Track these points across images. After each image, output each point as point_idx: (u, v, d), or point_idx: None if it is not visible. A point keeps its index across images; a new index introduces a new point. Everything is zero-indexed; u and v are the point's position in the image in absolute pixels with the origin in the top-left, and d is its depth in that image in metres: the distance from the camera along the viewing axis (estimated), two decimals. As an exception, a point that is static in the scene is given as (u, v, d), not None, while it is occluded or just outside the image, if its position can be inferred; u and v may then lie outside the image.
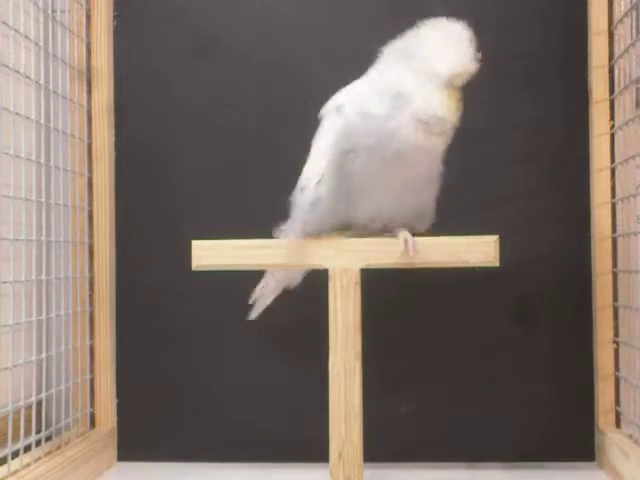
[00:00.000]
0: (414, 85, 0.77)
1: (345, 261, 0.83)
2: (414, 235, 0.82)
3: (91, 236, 1.03)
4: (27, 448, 0.87)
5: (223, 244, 0.85)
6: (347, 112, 0.80)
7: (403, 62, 0.78)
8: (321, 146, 0.83)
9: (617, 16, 0.97)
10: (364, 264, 0.83)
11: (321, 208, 0.81)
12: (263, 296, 0.94)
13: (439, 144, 0.79)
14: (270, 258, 0.84)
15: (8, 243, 0.84)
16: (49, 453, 0.90)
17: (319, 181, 0.82)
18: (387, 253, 0.83)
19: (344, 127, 0.80)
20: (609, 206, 0.98)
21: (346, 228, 0.83)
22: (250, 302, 0.94)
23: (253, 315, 0.95)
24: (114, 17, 1.05)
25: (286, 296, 0.97)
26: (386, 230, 0.83)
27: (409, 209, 0.82)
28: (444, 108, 0.76)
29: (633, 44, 0.92)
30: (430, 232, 0.84)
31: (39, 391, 0.91)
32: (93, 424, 1.02)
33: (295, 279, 0.92)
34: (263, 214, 1.00)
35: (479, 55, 0.78)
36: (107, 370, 1.02)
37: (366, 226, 0.83)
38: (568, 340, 1.00)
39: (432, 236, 0.83)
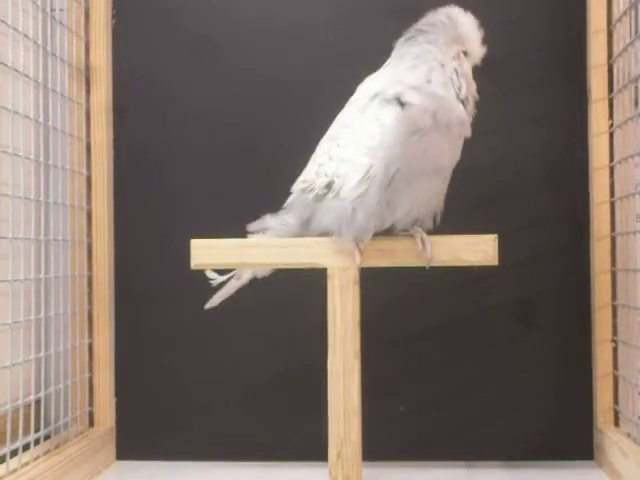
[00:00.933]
0: (456, 63, 0.80)
1: (344, 260, 0.83)
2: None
3: (90, 235, 1.02)
4: (26, 447, 0.87)
5: (222, 243, 0.85)
6: (406, 98, 0.77)
7: (441, 39, 0.81)
8: (366, 141, 0.79)
9: (616, 15, 0.97)
10: (363, 263, 0.83)
11: (365, 210, 0.78)
12: (223, 291, 0.91)
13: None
14: (269, 257, 0.84)
15: (7, 242, 0.84)
16: (48, 452, 0.90)
17: (364, 179, 0.77)
18: (387, 252, 0.83)
19: (408, 111, 0.77)
20: (608, 205, 0.98)
21: (379, 229, 0.80)
22: (214, 286, 0.91)
23: (212, 304, 0.91)
24: (113, 16, 1.05)
25: (286, 296, 0.97)
26: (403, 229, 0.82)
27: (432, 206, 0.82)
28: (473, 85, 0.82)
29: (632, 43, 0.92)
30: (429, 231, 0.84)
31: (38, 390, 0.91)
32: (92, 423, 1.02)
33: (247, 279, 0.91)
34: (263, 213, 1.00)
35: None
36: (106, 369, 1.02)
37: (394, 225, 0.81)
38: (567, 339, 1.00)
39: (431, 235, 0.83)
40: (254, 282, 0.93)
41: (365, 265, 0.82)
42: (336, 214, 0.79)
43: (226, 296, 0.91)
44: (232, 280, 0.91)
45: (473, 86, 0.82)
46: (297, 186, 0.86)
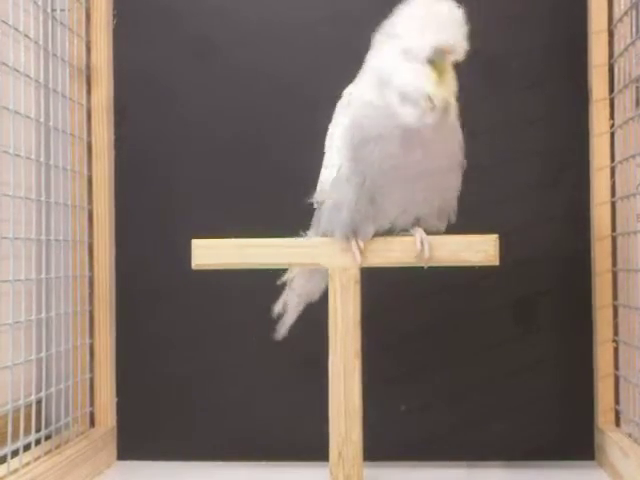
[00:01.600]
0: (399, 63, 0.75)
1: (345, 260, 0.83)
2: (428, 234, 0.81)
3: (91, 235, 1.02)
4: (27, 447, 0.87)
5: (223, 243, 0.85)
6: (353, 104, 0.79)
7: (390, 41, 0.76)
8: (335, 143, 0.81)
9: (617, 15, 0.97)
10: (364, 263, 0.83)
11: (344, 209, 0.79)
12: (286, 313, 0.93)
13: (444, 126, 0.76)
14: (270, 257, 0.84)
15: (8, 242, 0.84)
16: (49, 452, 0.90)
17: (337, 178, 0.79)
18: (387, 252, 0.83)
19: (352, 120, 0.78)
20: (609, 205, 0.98)
21: (376, 228, 0.81)
22: (275, 320, 0.93)
23: (280, 334, 0.93)
24: (114, 16, 1.05)
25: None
26: (403, 229, 0.82)
27: (434, 207, 0.80)
28: (430, 84, 0.74)
29: (633, 43, 0.92)
30: (430, 231, 0.84)
31: (39, 390, 0.91)
32: (93, 423, 1.02)
33: (314, 293, 0.91)
34: (263, 213, 1.00)
35: (468, 33, 0.76)
36: (107, 369, 1.02)
37: (392, 225, 0.81)
38: (568, 339, 1.00)
39: (431, 235, 0.83)
40: (254, 281, 0.93)
41: (365, 265, 0.82)
42: (327, 216, 0.81)
43: (290, 322, 0.93)
44: (287, 306, 0.92)
45: (430, 84, 0.74)
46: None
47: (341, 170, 0.79)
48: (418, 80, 0.74)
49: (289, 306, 0.92)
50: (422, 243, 0.80)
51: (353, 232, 0.79)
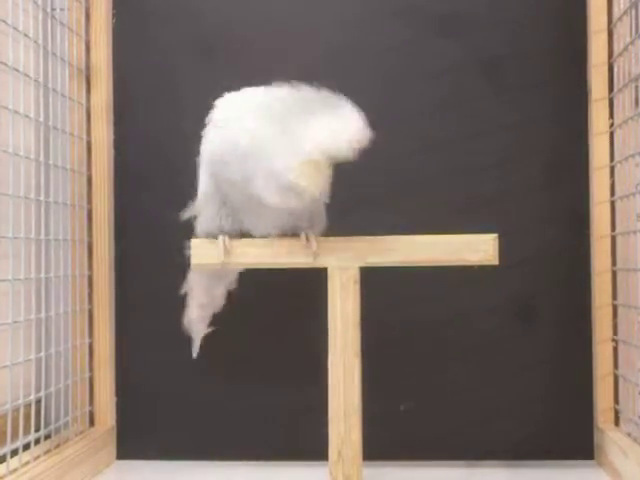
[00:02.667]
0: (280, 147, 0.74)
1: (344, 260, 0.83)
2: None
3: (90, 234, 1.02)
4: (26, 446, 0.87)
5: (222, 243, 0.85)
6: (219, 134, 0.81)
7: (279, 118, 0.76)
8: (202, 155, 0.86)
9: (616, 14, 0.97)
10: (363, 263, 0.83)
11: (205, 214, 0.86)
12: (195, 330, 0.96)
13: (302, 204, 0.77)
14: (270, 257, 0.84)
15: (7, 241, 0.84)
16: (48, 451, 0.90)
17: (202, 194, 0.86)
18: (387, 252, 0.83)
19: (212, 150, 0.83)
20: (608, 204, 0.98)
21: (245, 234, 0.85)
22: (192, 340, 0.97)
23: (195, 353, 0.98)
24: (113, 15, 1.05)
25: (286, 295, 0.97)
26: (293, 232, 0.85)
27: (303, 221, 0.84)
28: (303, 179, 0.73)
29: (632, 42, 0.92)
30: (430, 231, 0.84)
31: (38, 389, 0.91)
32: (92, 422, 1.02)
33: (219, 301, 0.95)
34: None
35: (362, 137, 0.74)
36: (106, 368, 1.02)
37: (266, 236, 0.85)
38: (567, 338, 1.00)
39: (432, 235, 0.83)
40: (253, 281, 0.93)
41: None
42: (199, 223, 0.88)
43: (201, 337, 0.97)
44: (193, 322, 0.96)
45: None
46: None
47: (204, 186, 0.86)
48: (292, 172, 0.73)
49: (193, 320, 0.95)
50: (307, 238, 0.83)
51: (209, 232, 0.85)
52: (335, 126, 0.73)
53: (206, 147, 0.84)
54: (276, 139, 0.74)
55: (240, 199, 0.82)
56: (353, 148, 0.73)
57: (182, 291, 0.95)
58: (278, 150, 0.74)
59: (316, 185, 0.73)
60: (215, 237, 0.85)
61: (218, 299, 0.95)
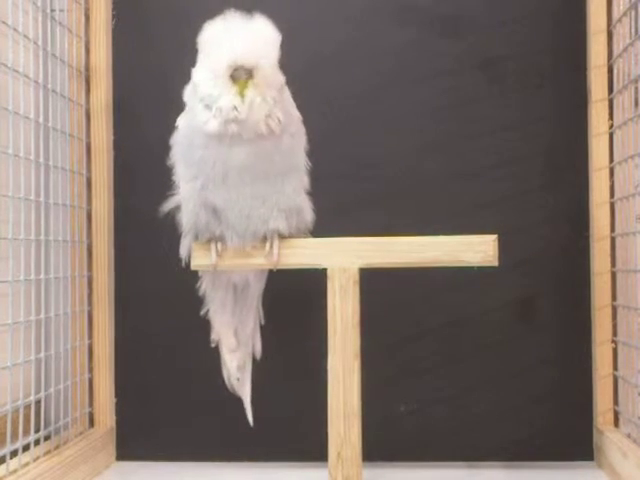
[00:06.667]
0: (206, 78, 0.80)
1: (344, 260, 0.83)
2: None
3: (90, 235, 1.02)
4: (26, 447, 0.86)
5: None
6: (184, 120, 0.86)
7: (202, 58, 0.82)
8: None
9: (616, 15, 0.97)
10: (363, 263, 0.83)
11: (186, 212, 0.87)
12: (240, 386, 0.96)
13: (261, 135, 0.79)
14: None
15: (7, 242, 0.84)
16: (48, 452, 0.90)
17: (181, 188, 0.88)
18: (387, 252, 0.83)
19: (179, 128, 0.86)
20: (608, 206, 0.98)
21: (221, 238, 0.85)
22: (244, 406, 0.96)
23: (251, 419, 0.97)
24: (113, 16, 1.05)
25: (286, 295, 0.97)
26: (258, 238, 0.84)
27: (278, 210, 0.83)
28: (230, 97, 0.78)
29: (632, 44, 0.92)
30: (429, 232, 0.84)
31: (38, 390, 0.91)
32: (92, 423, 1.02)
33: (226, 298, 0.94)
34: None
35: (271, 48, 0.81)
36: (106, 369, 1.02)
37: (240, 234, 0.84)
38: (567, 339, 1.00)
39: (431, 235, 0.83)
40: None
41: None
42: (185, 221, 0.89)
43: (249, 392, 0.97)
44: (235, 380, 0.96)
45: (229, 97, 0.78)
46: None
47: (179, 174, 0.87)
48: (216, 92, 0.78)
49: (233, 374, 0.96)
50: (271, 245, 0.83)
51: (191, 233, 0.87)
52: (245, 37, 0.79)
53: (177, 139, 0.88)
54: (206, 80, 0.81)
55: (208, 172, 0.82)
56: (266, 57, 0.79)
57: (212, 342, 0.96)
58: (207, 87, 0.80)
59: (249, 106, 0.77)
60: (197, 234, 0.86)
61: (227, 297, 0.95)
